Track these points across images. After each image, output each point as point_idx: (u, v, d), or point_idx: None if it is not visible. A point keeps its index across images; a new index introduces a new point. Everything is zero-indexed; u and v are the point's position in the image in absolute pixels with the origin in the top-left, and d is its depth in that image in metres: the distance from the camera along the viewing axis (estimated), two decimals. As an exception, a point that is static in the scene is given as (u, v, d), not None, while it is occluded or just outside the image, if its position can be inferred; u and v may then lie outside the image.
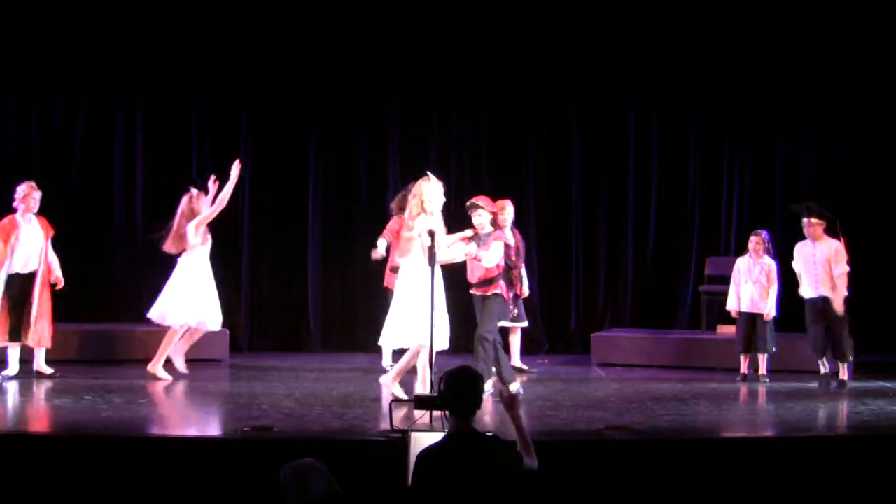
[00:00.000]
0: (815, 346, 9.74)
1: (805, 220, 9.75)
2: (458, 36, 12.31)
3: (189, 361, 10.80)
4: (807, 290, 9.74)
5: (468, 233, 8.67)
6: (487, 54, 12.36)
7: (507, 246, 9.74)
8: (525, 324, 10.67)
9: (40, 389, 9.08)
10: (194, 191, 9.83)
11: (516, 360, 10.61)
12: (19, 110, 12.14)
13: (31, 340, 9.55)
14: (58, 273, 9.78)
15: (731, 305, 10.29)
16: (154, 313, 9.75)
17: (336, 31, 12.24)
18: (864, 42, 12.16)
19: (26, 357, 9.63)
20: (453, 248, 8.47)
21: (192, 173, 12.35)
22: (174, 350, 9.79)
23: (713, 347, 11.20)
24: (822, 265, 9.61)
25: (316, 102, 12.42)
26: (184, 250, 9.69)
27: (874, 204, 12.38)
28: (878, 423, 7.86)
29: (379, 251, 9.78)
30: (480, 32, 12.30)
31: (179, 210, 9.76)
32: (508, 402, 5.12)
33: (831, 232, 9.78)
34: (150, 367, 9.64)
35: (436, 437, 5.62)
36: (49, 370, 9.60)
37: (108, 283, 12.18)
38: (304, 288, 12.40)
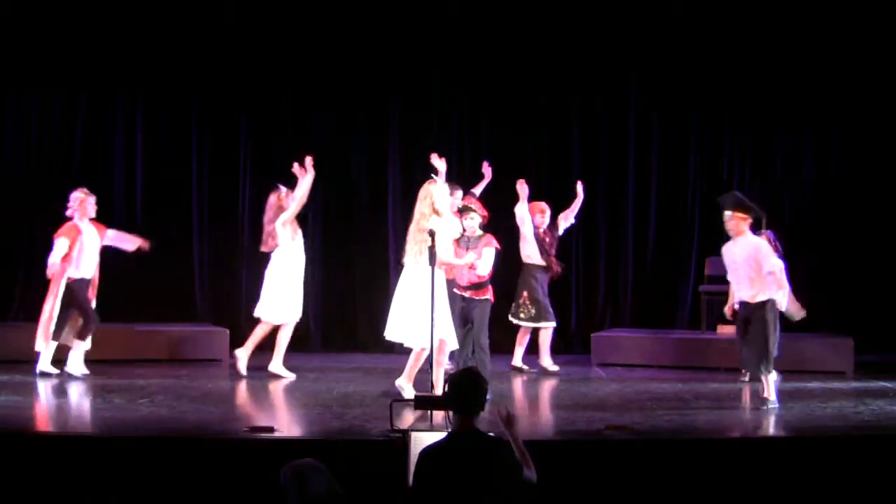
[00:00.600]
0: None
1: (727, 213, 8.59)
2: (458, 36, 12.30)
3: (188, 361, 10.84)
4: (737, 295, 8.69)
5: (455, 235, 8.79)
6: (487, 54, 12.36)
7: (540, 241, 9.87)
8: (553, 324, 10.68)
9: (76, 389, 9.10)
10: (283, 189, 9.87)
11: (518, 359, 10.61)
12: (19, 110, 12.13)
13: (88, 341, 9.72)
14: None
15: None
16: (262, 312, 9.82)
17: (336, 31, 12.24)
18: (863, 42, 12.16)
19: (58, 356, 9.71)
20: (448, 251, 8.56)
21: (192, 173, 12.37)
22: (248, 348, 9.81)
23: (713, 347, 11.18)
24: (744, 265, 8.47)
25: (315, 102, 12.41)
26: (276, 248, 9.75)
27: (873, 203, 12.39)
28: (878, 423, 7.86)
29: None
30: (480, 32, 12.30)
31: (268, 208, 9.83)
32: (506, 419, 5.15)
33: (756, 229, 8.94)
34: (271, 368, 9.73)
35: (437, 437, 5.62)
36: (85, 370, 9.67)
37: (106, 283, 12.14)
38: (304, 288, 12.37)
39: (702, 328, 11.91)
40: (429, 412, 7.01)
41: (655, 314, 12.55)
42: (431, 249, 7.77)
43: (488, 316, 8.98)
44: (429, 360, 7.92)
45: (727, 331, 11.20)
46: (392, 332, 8.48)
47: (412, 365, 8.39)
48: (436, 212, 8.26)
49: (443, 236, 8.17)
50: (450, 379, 5.09)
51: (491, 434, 5.05)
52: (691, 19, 12.27)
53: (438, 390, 7.94)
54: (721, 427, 7.96)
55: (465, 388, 4.99)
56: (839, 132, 12.54)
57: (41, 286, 11.93)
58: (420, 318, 7.99)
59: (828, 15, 12.08)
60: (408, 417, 7.40)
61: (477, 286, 8.88)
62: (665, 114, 12.66)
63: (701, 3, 12.23)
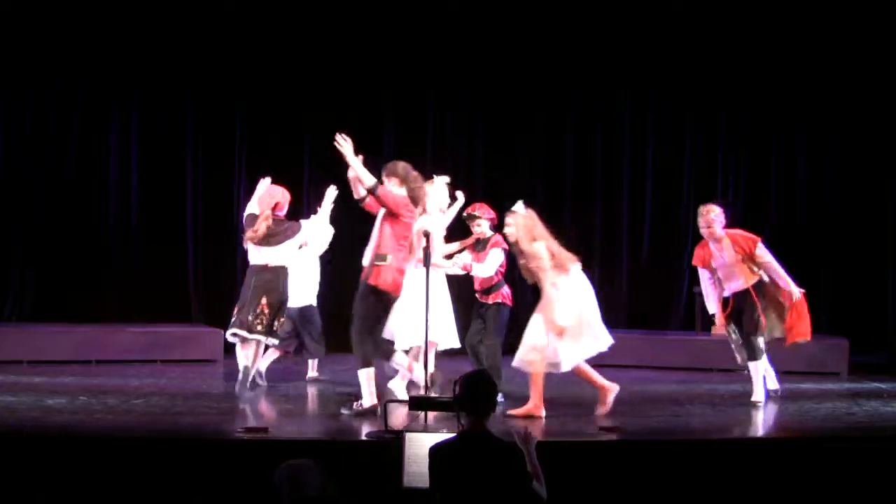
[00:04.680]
0: None
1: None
2: (454, 37, 12.32)
3: (182, 362, 10.81)
4: None
5: (470, 241, 8.75)
6: (483, 56, 12.38)
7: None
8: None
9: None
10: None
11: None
12: (14, 109, 12.10)
13: None
14: None
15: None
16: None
17: (331, 31, 12.25)
18: (858, 47, 12.22)
19: None
20: (453, 258, 8.57)
21: (187, 173, 12.36)
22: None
23: (707, 348, 11.18)
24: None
25: (311, 103, 12.41)
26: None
27: (867, 205, 12.44)
28: (871, 425, 7.88)
29: None
30: (476, 34, 12.32)
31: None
32: (523, 437, 5.22)
33: None
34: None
35: (431, 437, 5.62)
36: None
37: (102, 284, 12.15)
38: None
39: (696, 329, 11.93)
40: (423, 413, 7.03)
41: (649, 315, 12.56)
42: (426, 250, 7.76)
43: (503, 320, 8.54)
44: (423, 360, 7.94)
45: (721, 332, 11.20)
46: (399, 339, 8.56)
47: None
48: (424, 210, 8.33)
49: (439, 237, 8.20)
50: (462, 380, 5.13)
51: (501, 439, 5.07)
52: (686, 23, 12.33)
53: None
54: (714, 428, 7.98)
55: (478, 390, 5.06)
56: (834, 135, 12.58)
57: (37, 286, 12.00)
58: (418, 316, 7.98)
59: (822, 22, 12.16)
60: (402, 418, 7.41)
61: (487, 290, 8.54)
62: (660, 115, 12.70)
63: (697, 9, 12.27)
